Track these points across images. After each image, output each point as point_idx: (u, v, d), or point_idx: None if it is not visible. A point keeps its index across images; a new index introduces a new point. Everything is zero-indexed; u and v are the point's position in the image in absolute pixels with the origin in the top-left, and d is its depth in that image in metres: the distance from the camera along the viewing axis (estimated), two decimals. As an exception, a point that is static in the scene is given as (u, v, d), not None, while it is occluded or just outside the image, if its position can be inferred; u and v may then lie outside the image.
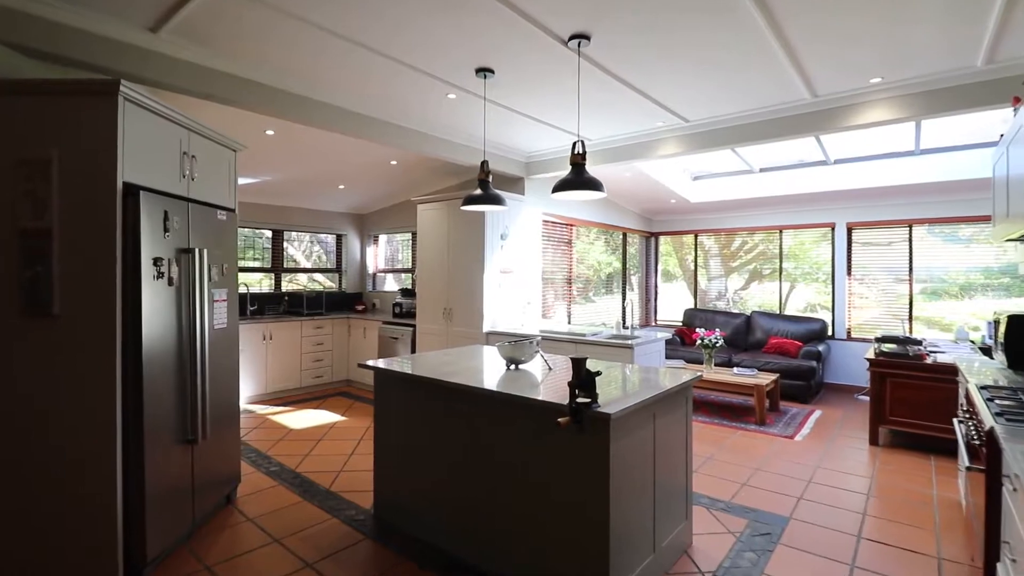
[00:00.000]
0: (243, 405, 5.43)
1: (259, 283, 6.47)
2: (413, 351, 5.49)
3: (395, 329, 5.68)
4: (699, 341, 5.42)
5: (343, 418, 4.99)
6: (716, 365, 5.88)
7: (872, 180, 5.71)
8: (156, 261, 2.44)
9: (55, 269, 2.22)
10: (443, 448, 2.62)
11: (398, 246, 7.02)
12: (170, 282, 2.54)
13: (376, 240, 7.29)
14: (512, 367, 2.83)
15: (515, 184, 5.38)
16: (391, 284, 7.11)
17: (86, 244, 2.25)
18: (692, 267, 7.85)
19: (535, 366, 2.90)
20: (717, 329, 5.47)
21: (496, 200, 3.03)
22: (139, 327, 2.35)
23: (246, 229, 6.19)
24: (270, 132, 4.18)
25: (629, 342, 3.97)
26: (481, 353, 3.37)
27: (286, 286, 6.67)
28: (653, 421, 2.30)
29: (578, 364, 1.99)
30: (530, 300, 5.29)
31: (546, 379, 2.57)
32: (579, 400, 1.98)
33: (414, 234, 6.68)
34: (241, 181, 5.39)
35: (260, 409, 5.29)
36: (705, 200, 6.87)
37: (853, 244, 6.43)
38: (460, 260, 4.99)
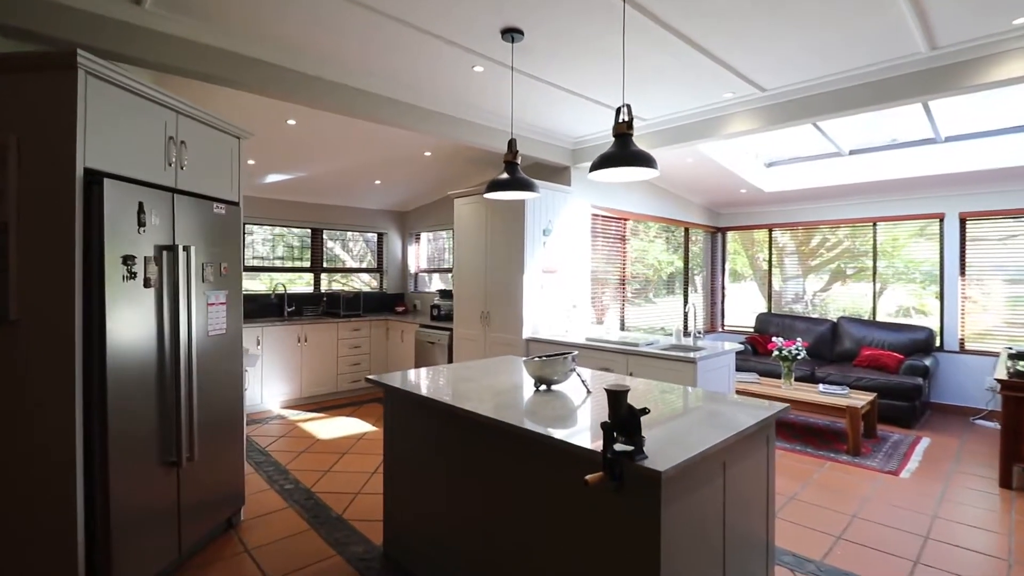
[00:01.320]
0: (276, 410, 5.23)
1: (287, 284, 6.29)
2: (450, 358, 5.08)
3: (432, 333, 5.30)
4: (776, 352, 4.65)
5: (373, 429, 4.65)
6: (796, 380, 5.07)
7: (994, 160, 4.70)
8: (127, 260, 2.12)
9: (12, 269, 1.94)
10: (458, 486, 2.14)
11: (443, 244, 6.66)
12: (147, 283, 2.22)
13: (417, 238, 6.97)
14: (542, 387, 2.32)
15: (560, 174, 4.84)
16: (437, 284, 6.76)
17: (43, 240, 1.96)
18: (765, 266, 6.98)
19: (571, 387, 2.36)
20: (798, 339, 4.68)
21: (525, 185, 2.52)
22: (104, 334, 2.03)
23: (280, 228, 6.02)
24: (291, 122, 3.89)
25: (691, 355, 3.34)
26: (511, 367, 2.87)
27: (331, 286, 6.47)
28: (723, 472, 1.72)
29: (616, 398, 1.44)
30: (576, 303, 4.73)
31: (583, 406, 2.04)
32: (617, 448, 1.44)
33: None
34: (273, 178, 5.19)
35: (292, 415, 5.07)
36: (781, 189, 6.02)
37: (968, 238, 5.38)
38: (498, 259, 4.52)
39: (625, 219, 5.50)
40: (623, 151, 2.02)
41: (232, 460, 2.80)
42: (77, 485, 1.97)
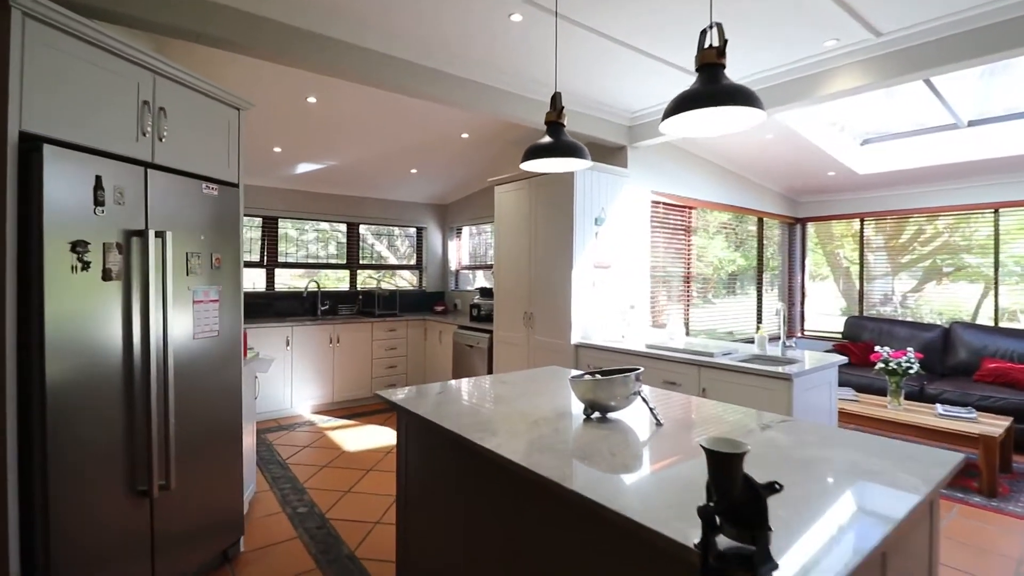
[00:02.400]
0: (307, 415, 4.89)
1: (321, 282, 5.97)
2: (489, 364, 4.57)
3: (471, 335, 4.80)
4: (881, 364, 3.84)
5: (405, 441, 4.19)
6: (904, 398, 4.21)
7: None
8: (78, 246, 1.72)
9: (-64, 257, 1.57)
10: (478, 537, 1.61)
11: (486, 239, 6.16)
12: (106, 276, 1.82)
13: (458, 233, 6.51)
14: (594, 415, 1.74)
15: (615, 155, 4.22)
16: (480, 282, 6.28)
17: (-31, 221, 1.58)
18: (846, 263, 6.06)
19: (633, 415, 1.77)
20: (909, 348, 3.84)
21: (571, 150, 1.94)
22: (43, 339, 1.64)
23: (313, 221, 5.71)
24: (311, 99, 3.49)
25: (784, 369, 2.65)
26: (556, 383, 2.31)
27: (379, 284, 6.12)
28: (882, 569, 1.09)
29: (725, 465, 0.85)
30: (634, 303, 4.10)
31: (652, 446, 1.45)
32: (723, 548, 0.86)
33: (498, 225, 5.76)
34: (304, 168, 4.85)
35: (323, 421, 4.71)
36: (879, 171, 5.11)
37: None
38: (544, 252, 3.95)
39: (690, 207, 4.79)
40: (713, 87, 1.41)
41: (228, 484, 2.39)
42: (9, 524, 1.58)
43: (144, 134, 2.00)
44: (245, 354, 2.78)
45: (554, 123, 2.00)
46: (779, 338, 3.14)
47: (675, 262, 4.70)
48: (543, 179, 3.95)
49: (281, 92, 3.37)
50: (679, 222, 4.70)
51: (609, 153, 4.23)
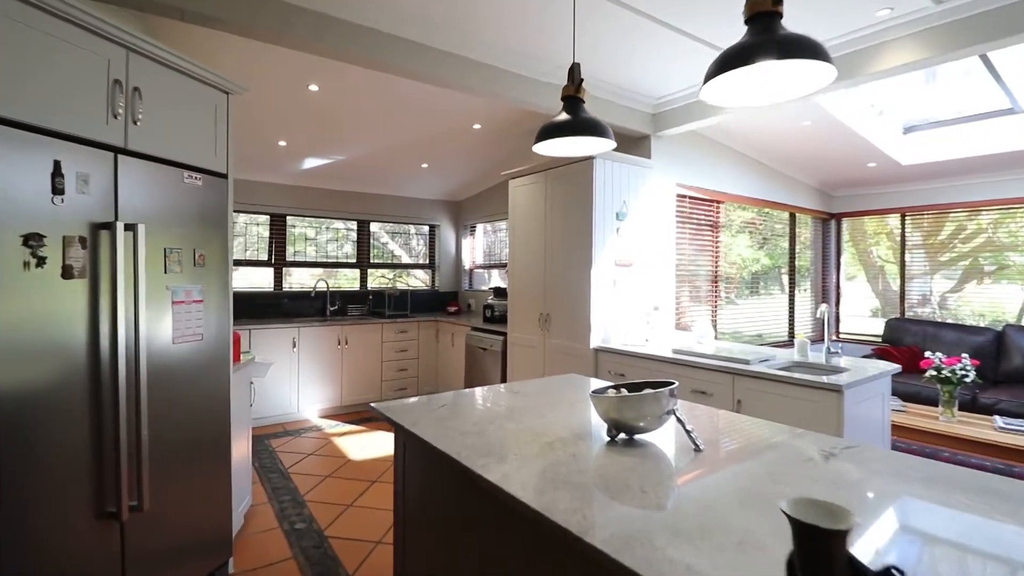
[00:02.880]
0: (314, 419, 4.71)
1: (330, 281, 5.79)
2: (503, 368, 4.32)
3: (484, 338, 4.57)
4: (933, 372, 3.49)
5: (413, 449, 3.97)
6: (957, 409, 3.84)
7: None
8: (31, 240, 1.52)
9: None
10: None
11: (501, 236, 5.92)
12: (67, 273, 1.62)
13: (472, 231, 6.28)
14: (617, 436, 1.48)
15: (638, 145, 3.94)
16: (496, 281, 6.04)
17: (-97, 210, 1.39)
18: (889, 260, 5.66)
19: (666, 437, 1.51)
20: (964, 355, 3.48)
21: (591, 127, 1.68)
22: (-12, 346, 1.44)
23: (322, 219, 5.53)
24: (313, 87, 3.28)
25: (832, 379, 2.35)
26: (574, 395, 2.05)
27: (381, 283, 5.93)
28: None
29: (819, 543, 0.59)
30: (658, 304, 3.81)
31: (690, 477, 1.18)
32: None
33: (513, 222, 5.52)
34: (311, 163, 4.67)
35: (329, 426, 4.52)
36: (923, 161, 4.73)
37: None
38: (561, 249, 3.69)
39: (718, 201, 4.48)
40: (771, 36, 1.14)
41: (214, 500, 2.19)
42: (-50, 558, 1.39)
43: (115, 116, 1.80)
44: (237, 358, 2.58)
45: (572, 98, 1.74)
46: (822, 342, 2.82)
47: (702, 260, 4.40)
48: (560, 171, 3.69)
49: (280, 79, 3.17)
50: (706, 217, 4.39)
51: (632, 143, 3.95)
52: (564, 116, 1.72)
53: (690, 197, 4.22)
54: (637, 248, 3.72)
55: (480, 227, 6.19)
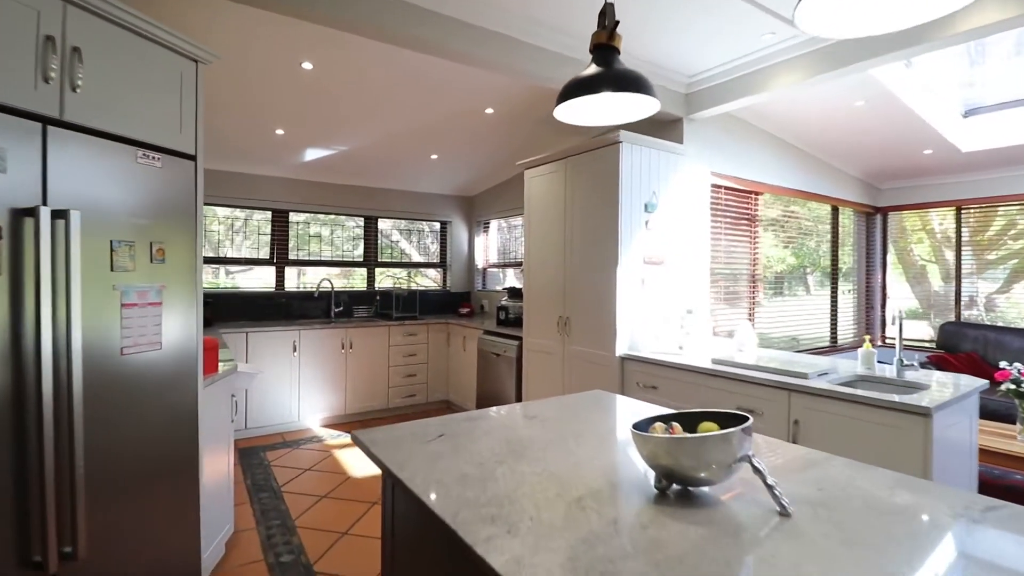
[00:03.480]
0: (316, 429, 4.40)
1: (334, 281, 5.48)
2: (518, 376, 3.95)
3: (498, 342, 4.21)
4: (1010, 385, 3.03)
5: (420, 465, 3.63)
6: (1036, 426, 3.36)
7: None
8: (-83, 227, 1.20)
9: None
10: None
11: (517, 233, 5.56)
12: (-29, 271, 1.30)
13: (486, 228, 5.93)
14: (669, 488, 1.11)
15: (669, 129, 3.54)
16: (511, 281, 5.68)
17: None
18: (929, 259, 5.18)
19: (736, 490, 1.13)
20: (1049, 365, 3.01)
21: (630, 81, 1.30)
22: None
23: (327, 215, 5.22)
24: (307, 65, 2.96)
25: (916, 399, 1.94)
26: (601, 420, 1.68)
27: (389, 283, 5.61)
28: None
29: None
30: (692, 307, 3.41)
31: (787, 560, 0.80)
32: None
33: (529, 217, 5.15)
34: (313, 155, 4.36)
35: (332, 437, 4.20)
36: (986, 148, 4.24)
37: None
38: (583, 246, 3.32)
39: (756, 192, 4.06)
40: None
41: (181, 534, 1.86)
42: None
43: (46, 81, 1.48)
44: (212, 368, 2.26)
45: (604, 47, 1.36)
46: (899, 357, 2.40)
47: (738, 258, 3.98)
48: (582, 158, 3.31)
49: (271, 57, 2.85)
50: (743, 210, 3.97)
51: (662, 128, 3.55)
52: (594, 69, 1.35)
53: (725, 187, 3.80)
54: (668, 244, 3.33)
55: (494, 223, 5.83)
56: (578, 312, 3.35)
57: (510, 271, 5.64)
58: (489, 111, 3.67)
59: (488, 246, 5.93)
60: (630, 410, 1.77)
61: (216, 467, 2.32)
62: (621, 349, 3.08)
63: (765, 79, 3.06)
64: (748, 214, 4.01)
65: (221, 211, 4.72)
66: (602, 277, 3.16)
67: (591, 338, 3.25)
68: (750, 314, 4.08)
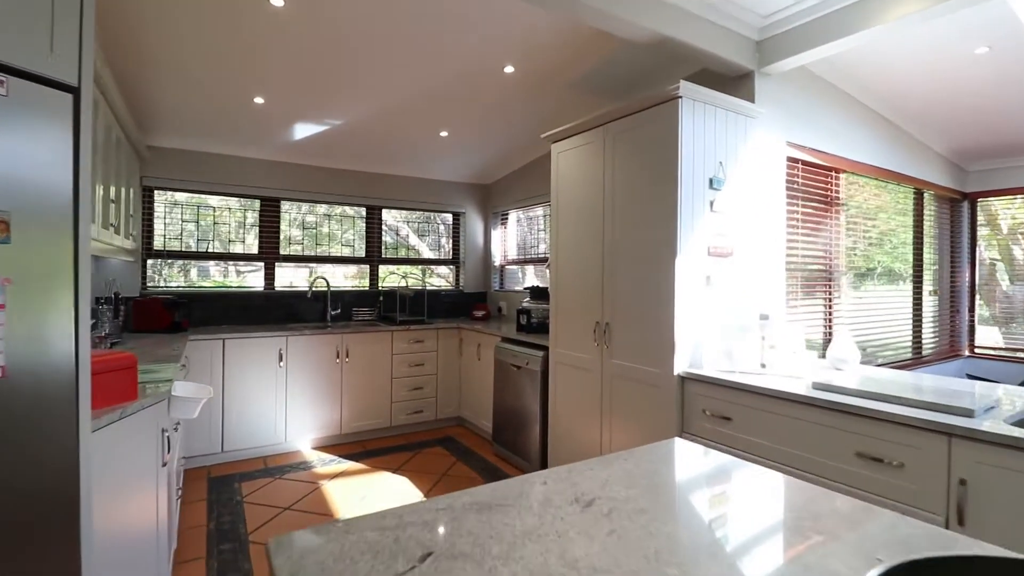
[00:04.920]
0: (306, 451, 3.77)
1: (317, 279, 4.86)
2: (544, 394, 3.27)
3: (518, 352, 3.52)
4: None
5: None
6: None
7: None
8: None
9: None
10: None
11: (539, 224, 4.88)
12: None
13: (503, 220, 5.26)
14: None
15: (736, 86, 2.82)
16: (531, 280, 5.00)
17: None
18: (1016, 254, 4.35)
19: None
20: None
21: None
22: None
23: (324, 204, 4.59)
24: (277, 2, 2.31)
25: None
26: (709, 493, 0.98)
27: (396, 282, 4.97)
28: None
29: None
30: (768, 311, 2.69)
31: None
32: None
33: (554, 206, 4.46)
34: (303, 131, 3.74)
35: (323, 463, 3.57)
36: (1122, 115, 3.43)
37: None
38: (629, 232, 2.62)
39: (837, 170, 3.31)
40: None
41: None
42: None
43: None
44: (130, 394, 1.62)
45: None
46: (956, 357, 1.65)
47: (814, 248, 3.23)
48: (628, 123, 2.62)
49: (230, -12, 2.22)
50: (821, 190, 3.23)
51: (727, 84, 2.83)
52: None
53: (803, 162, 3.06)
54: (738, 231, 2.62)
55: (513, 215, 5.15)
56: (622, 317, 2.65)
57: (530, 268, 4.97)
58: (509, 70, 2.99)
59: (506, 240, 5.26)
60: (758, 487, 1.08)
61: (136, 530, 1.68)
62: (681, 366, 2.38)
63: (866, 14, 2.33)
64: (826, 195, 3.26)
65: (186, 197, 4.13)
66: (655, 273, 2.46)
67: (639, 351, 2.55)
68: (827, 320, 3.33)
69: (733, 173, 2.59)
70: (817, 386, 1.99)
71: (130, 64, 2.73)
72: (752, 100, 2.74)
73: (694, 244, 2.42)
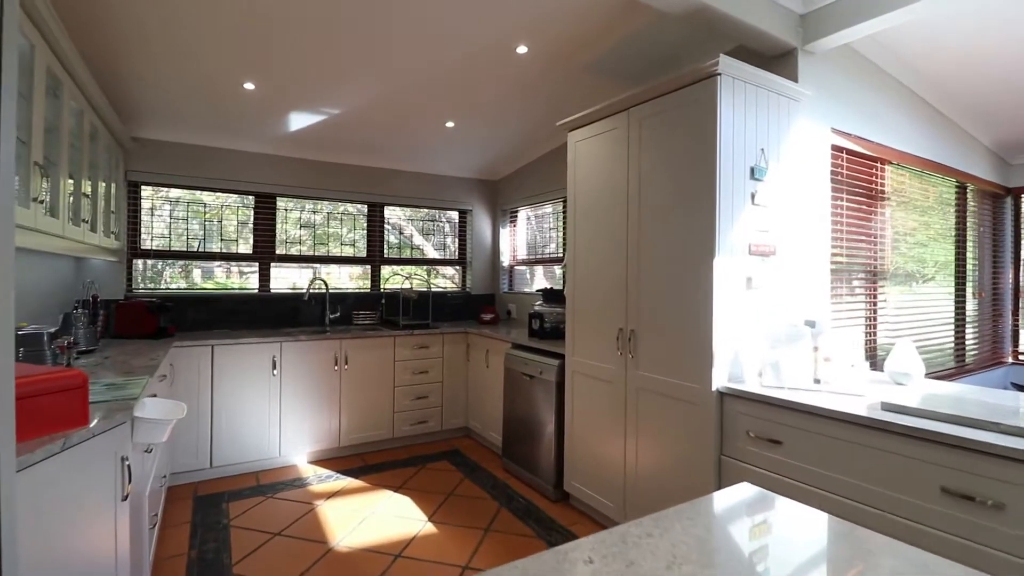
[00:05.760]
0: (303, 465, 3.51)
1: (315, 281, 4.60)
2: (559, 407, 2.98)
3: (531, 360, 3.25)
4: None
5: (434, 529, 2.68)
6: None
7: None
8: None
9: None
10: None
11: (549, 223, 4.60)
12: None
13: (513, 219, 4.98)
14: None
15: (776, 65, 2.52)
16: (540, 281, 4.73)
17: None
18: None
19: None
20: None
21: None
22: None
23: (322, 201, 4.33)
24: (264, -34, 2.05)
25: None
26: (781, 558, 0.69)
27: (399, 283, 4.71)
28: None
29: None
30: (814, 316, 2.40)
31: None
32: None
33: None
34: (298, 122, 3.49)
35: (320, 479, 3.30)
36: None
37: None
38: (659, 228, 2.34)
39: (882, 160, 3.01)
40: None
41: None
42: None
43: None
44: (79, 419, 1.35)
45: None
46: (996, 366, 1.36)
47: (855, 245, 2.94)
48: (657, 105, 2.34)
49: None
50: (864, 182, 2.93)
51: (765, 63, 2.54)
52: None
53: (847, 151, 2.77)
54: (781, 227, 2.33)
55: (523, 213, 4.88)
56: (649, 324, 2.37)
57: (539, 269, 4.69)
58: (522, 50, 2.72)
59: (515, 239, 4.98)
60: (888, 564, 0.79)
61: (87, 574, 1.41)
62: (720, 380, 2.09)
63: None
64: (871, 188, 2.96)
65: (176, 193, 3.88)
66: (689, 274, 2.18)
67: (670, 362, 2.27)
68: (870, 325, 3.03)
69: (775, 162, 2.31)
70: (887, 407, 1.70)
71: (100, 44, 2.47)
72: (795, 79, 2.45)
73: (734, 241, 2.14)
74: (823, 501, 1.74)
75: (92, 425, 1.42)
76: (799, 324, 2.34)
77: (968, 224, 3.97)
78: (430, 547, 2.48)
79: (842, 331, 2.07)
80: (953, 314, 3.89)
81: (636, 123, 2.45)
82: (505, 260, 5.04)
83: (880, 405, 1.72)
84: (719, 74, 2.07)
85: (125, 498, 1.58)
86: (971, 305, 4.07)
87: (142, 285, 3.74)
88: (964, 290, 3.96)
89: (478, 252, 5.04)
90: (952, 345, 3.88)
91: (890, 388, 2.00)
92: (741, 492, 1.05)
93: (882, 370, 2.18)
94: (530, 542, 2.54)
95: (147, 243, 3.70)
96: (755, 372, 2.20)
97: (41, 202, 1.83)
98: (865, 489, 1.65)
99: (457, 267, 5.09)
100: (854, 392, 1.91)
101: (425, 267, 4.90)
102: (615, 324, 2.56)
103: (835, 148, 2.67)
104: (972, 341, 4.06)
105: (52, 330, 2.00)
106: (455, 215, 5.04)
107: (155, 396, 2.20)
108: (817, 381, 2.02)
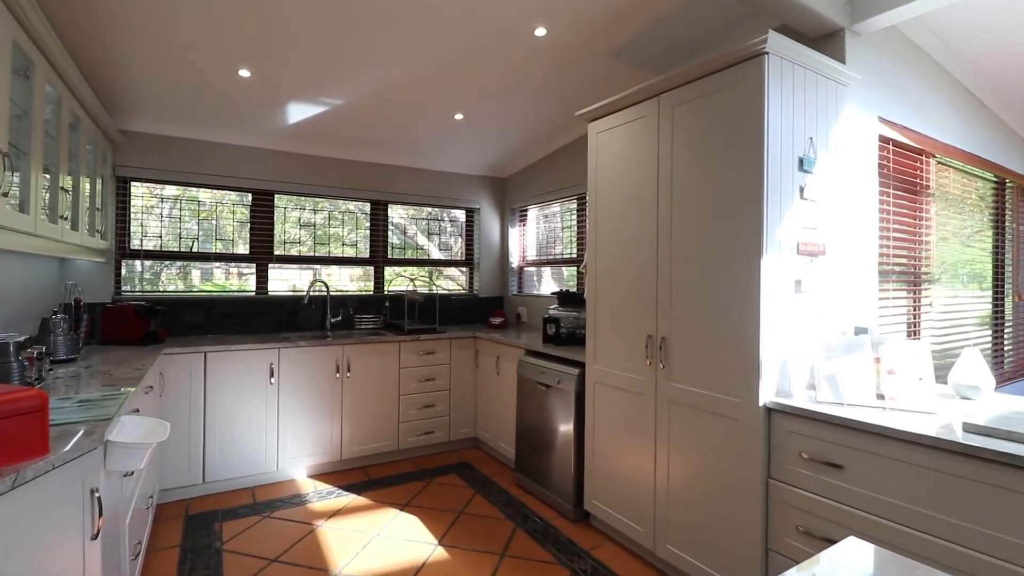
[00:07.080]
0: (302, 479, 3.29)
1: (315, 283, 4.39)
2: (579, 420, 2.76)
3: (547, 368, 3.03)
4: None
5: (444, 555, 2.46)
6: None
7: None
8: None
9: None
10: None
11: (558, 223, 4.39)
12: None
13: (523, 218, 4.77)
14: None
15: (822, 47, 2.30)
16: (549, 285, 4.52)
17: None
18: None
19: None
20: None
21: None
22: None
23: (323, 199, 4.11)
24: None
25: None
26: None
27: (404, 285, 4.49)
28: None
29: None
30: (864, 323, 2.18)
31: None
32: None
33: (581, 200, 3.97)
34: (297, 114, 3.27)
35: (320, 495, 3.08)
36: None
37: None
38: (694, 226, 2.13)
39: (928, 153, 2.79)
40: None
41: None
42: None
43: None
44: (39, 448, 1.13)
45: None
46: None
47: (901, 246, 2.71)
48: (693, 90, 2.12)
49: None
50: (909, 176, 2.71)
51: (809, 43, 2.32)
52: None
53: (893, 142, 2.55)
54: (828, 223, 2.11)
55: (532, 212, 4.66)
56: (683, 331, 2.15)
57: (546, 271, 4.48)
58: (540, 32, 2.50)
59: (524, 239, 4.77)
60: None
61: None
62: (767, 394, 1.87)
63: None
64: (915, 183, 2.74)
65: (169, 190, 3.66)
66: (731, 275, 1.96)
67: (708, 372, 2.05)
68: (913, 329, 2.81)
69: (824, 152, 2.09)
70: (971, 428, 1.48)
71: (82, 25, 2.26)
72: (843, 60, 2.23)
73: (781, 239, 1.92)
74: (899, 537, 1.52)
75: (52, 456, 1.20)
76: (848, 331, 2.13)
77: (1007, 221, 3.75)
78: (452, 572, 2.26)
79: (908, 341, 1.85)
80: (991, 318, 3.67)
81: (667, 110, 2.24)
82: (514, 261, 4.82)
83: (963, 426, 1.50)
84: (766, 53, 1.86)
85: (95, 536, 1.36)
86: (1008, 308, 3.85)
87: (139, 288, 3.52)
88: (1003, 292, 3.74)
89: (486, 253, 4.82)
90: (990, 351, 3.66)
91: (959, 404, 1.79)
92: (853, 552, 0.83)
93: (945, 382, 1.97)
94: (550, 568, 2.32)
95: (143, 243, 3.48)
96: (802, 385, 1.98)
97: (6, 195, 1.61)
98: (950, 525, 1.43)
99: (464, 268, 4.87)
100: (925, 409, 1.69)
101: (430, 268, 4.69)
102: (644, 330, 2.34)
103: (882, 139, 2.45)
104: (1009, 346, 3.84)
105: (21, 338, 1.78)
106: (461, 214, 4.82)
107: (137, 412, 1.99)
108: (880, 397, 1.80)
